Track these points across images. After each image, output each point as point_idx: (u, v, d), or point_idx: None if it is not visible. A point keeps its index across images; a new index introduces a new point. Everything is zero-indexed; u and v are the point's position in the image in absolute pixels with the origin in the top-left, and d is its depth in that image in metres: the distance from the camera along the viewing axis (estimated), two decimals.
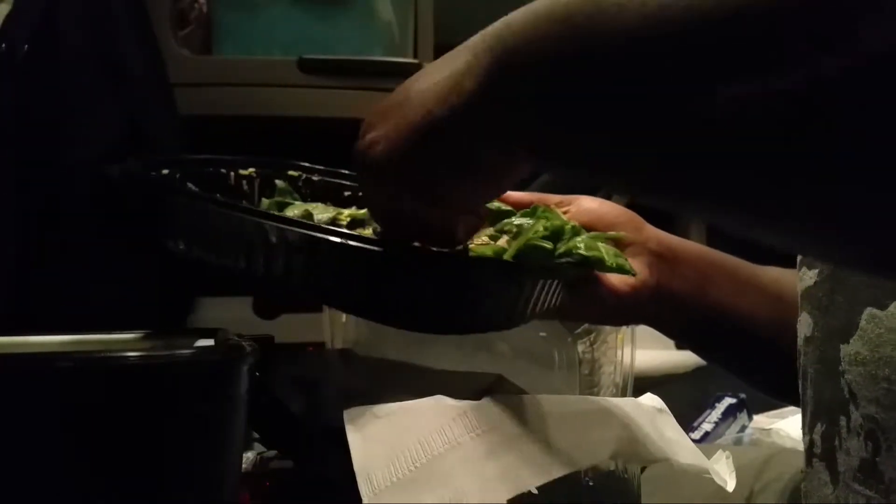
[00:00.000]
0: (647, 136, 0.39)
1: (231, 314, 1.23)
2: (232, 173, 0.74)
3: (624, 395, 0.87)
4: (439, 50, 1.40)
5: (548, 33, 0.42)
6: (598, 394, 0.85)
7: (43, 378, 0.54)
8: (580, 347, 0.85)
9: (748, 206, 0.39)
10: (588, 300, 0.68)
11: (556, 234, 0.63)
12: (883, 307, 0.55)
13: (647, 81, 0.37)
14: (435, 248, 0.56)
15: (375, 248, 0.53)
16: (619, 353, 0.87)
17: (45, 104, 0.91)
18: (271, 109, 1.38)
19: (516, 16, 0.45)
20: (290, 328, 1.32)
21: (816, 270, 0.64)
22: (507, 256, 0.61)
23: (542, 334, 0.86)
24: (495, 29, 0.46)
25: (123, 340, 0.70)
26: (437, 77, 0.49)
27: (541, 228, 0.63)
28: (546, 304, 0.62)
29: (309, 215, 0.69)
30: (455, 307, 0.56)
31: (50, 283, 0.90)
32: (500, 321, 0.60)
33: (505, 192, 0.56)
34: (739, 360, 0.80)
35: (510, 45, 0.44)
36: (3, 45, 0.87)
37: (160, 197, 0.64)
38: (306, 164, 0.78)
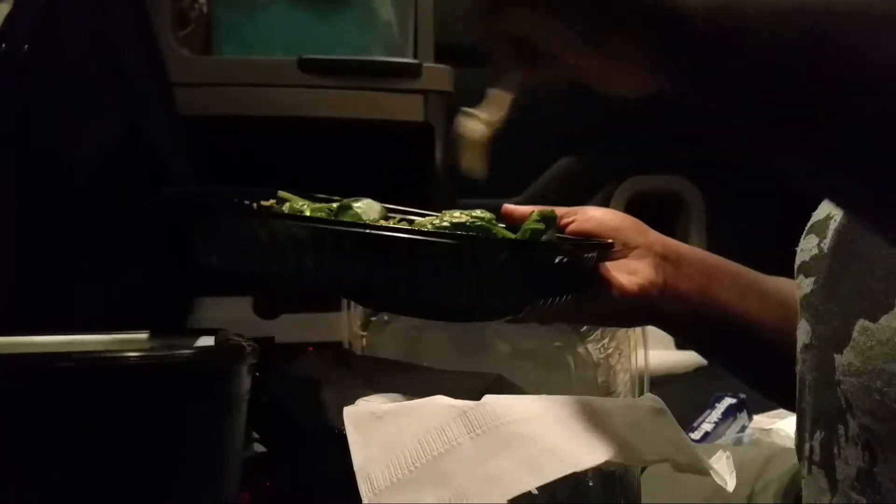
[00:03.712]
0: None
1: (231, 314, 1.22)
2: (255, 203, 0.79)
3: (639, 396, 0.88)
4: (439, 50, 1.40)
5: None
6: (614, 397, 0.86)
7: (43, 378, 0.54)
8: (594, 353, 0.85)
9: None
10: (598, 301, 0.69)
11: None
12: (874, 319, 0.55)
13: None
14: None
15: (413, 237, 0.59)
16: (634, 356, 0.88)
17: (45, 104, 0.91)
18: (271, 109, 1.37)
19: None
20: (290, 328, 1.32)
21: (812, 279, 0.64)
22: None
23: (556, 344, 0.86)
24: None
25: (123, 340, 0.70)
26: None
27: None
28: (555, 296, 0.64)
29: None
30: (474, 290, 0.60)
31: (50, 283, 0.90)
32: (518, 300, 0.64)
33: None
34: (743, 362, 0.81)
35: None
36: (3, 45, 0.87)
37: (197, 214, 0.69)
38: (323, 196, 0.82)
